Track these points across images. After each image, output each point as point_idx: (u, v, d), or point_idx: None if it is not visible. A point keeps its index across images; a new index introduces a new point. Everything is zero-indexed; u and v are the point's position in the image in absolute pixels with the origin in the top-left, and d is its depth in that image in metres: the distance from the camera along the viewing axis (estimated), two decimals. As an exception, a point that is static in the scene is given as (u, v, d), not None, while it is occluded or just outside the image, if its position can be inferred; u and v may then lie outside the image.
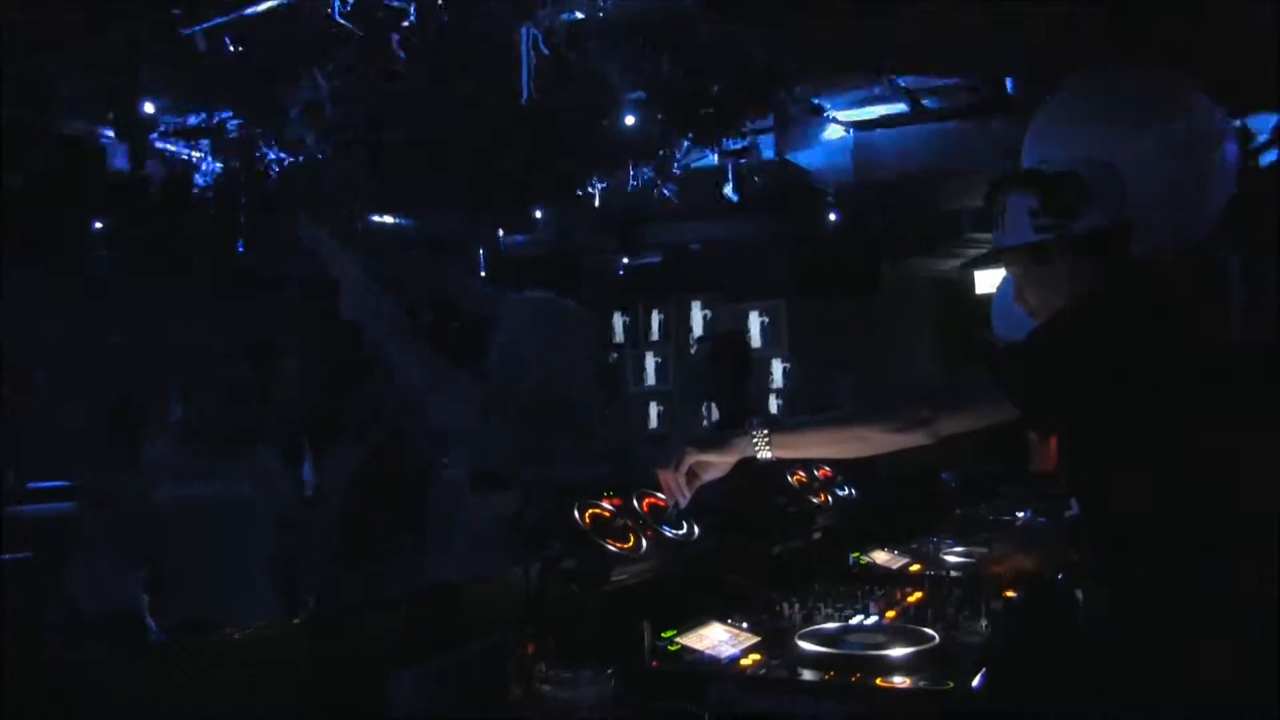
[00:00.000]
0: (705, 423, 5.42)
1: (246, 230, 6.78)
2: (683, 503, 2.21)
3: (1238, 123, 4.04)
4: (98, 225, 7.22)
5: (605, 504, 2.26)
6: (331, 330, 3.21)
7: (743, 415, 2.49)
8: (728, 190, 6.61)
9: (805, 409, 8.05)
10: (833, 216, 7.88)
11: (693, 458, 2.17)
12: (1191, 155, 2.02)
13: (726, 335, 7.03)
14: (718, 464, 2.18)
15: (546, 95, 5.12)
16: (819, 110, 6.51)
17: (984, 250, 8.85)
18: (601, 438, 3.16)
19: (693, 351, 5.76)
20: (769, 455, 2.12)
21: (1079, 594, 2.16)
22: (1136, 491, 1.90)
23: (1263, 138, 5.09)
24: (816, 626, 2.20)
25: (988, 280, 8.91)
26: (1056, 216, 1.95)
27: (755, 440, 2.12)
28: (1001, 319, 5.42)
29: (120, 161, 6.07)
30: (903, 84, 6.15)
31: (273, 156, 6.30)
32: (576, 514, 2.14)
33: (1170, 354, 1.89)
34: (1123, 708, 1.87)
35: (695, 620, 2.23)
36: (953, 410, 2.03)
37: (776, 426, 2.14)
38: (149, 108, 5.78)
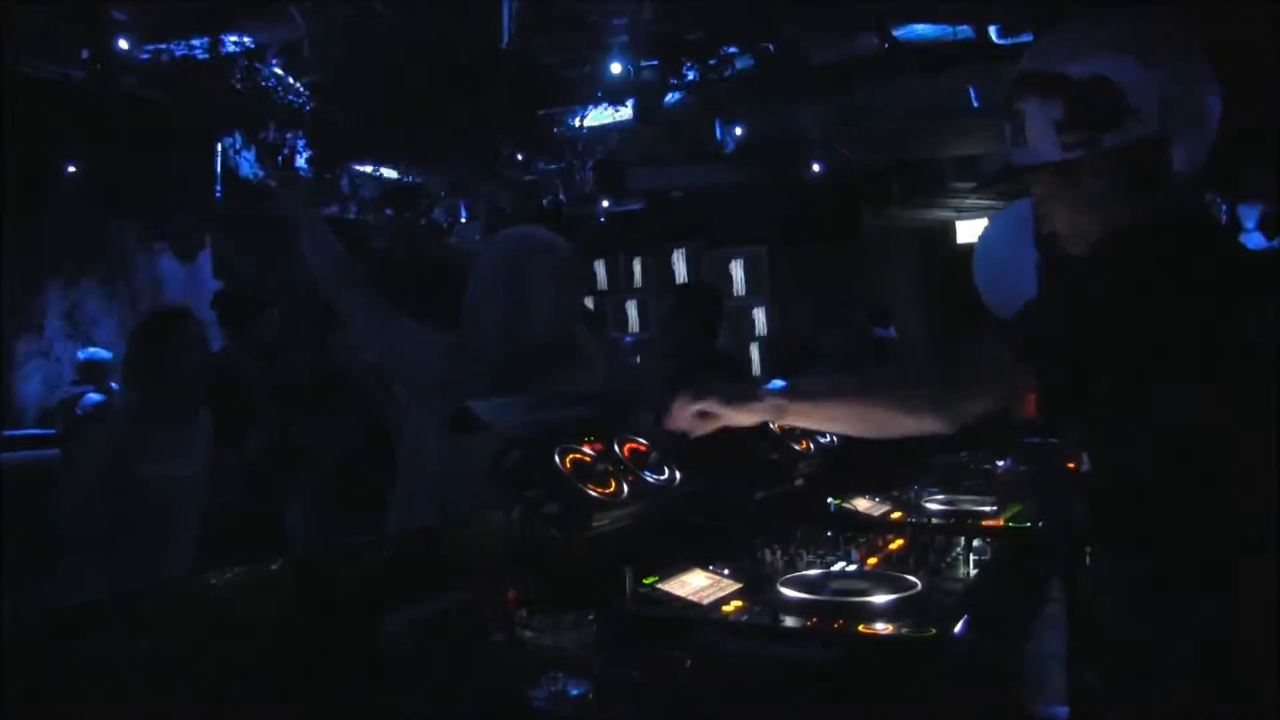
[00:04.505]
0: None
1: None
2: (677, 430, 2.14)
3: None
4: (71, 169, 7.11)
5: (586, 449, 2.24)
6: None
7: (708, 367, 2.41)
8: (709, 137, 6.56)
9: (785, 356, 8.02)
10: (815, 164, 7.84)
11: (709, 403, 2.07)
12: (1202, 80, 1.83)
13: (691, 288, 6.99)
14: (729, 419, 2.09)
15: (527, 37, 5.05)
16: (804, 56, 6.44)
17: (967, 198, 8.84)
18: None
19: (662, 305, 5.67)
20: (784, 421, 2.07)
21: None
22: (1170, 457, 1.70)
23: None
24: (798, 573, 2.19)
25: (969, 231, 8.91)
26: (1086, 130, 1.67)
27: (777, 406, 2.02)
28: (984, 269, 5.44)
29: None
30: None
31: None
32: (557, 458, 2.12)
33: (1216, 298, 1.66)
34: (1119, 665, 1.83)
35: (677, 566, 2.22)
36: (977, 395, 1.85)
37: (798, 394, 2.03)
38: (123, 43, 5.67)
